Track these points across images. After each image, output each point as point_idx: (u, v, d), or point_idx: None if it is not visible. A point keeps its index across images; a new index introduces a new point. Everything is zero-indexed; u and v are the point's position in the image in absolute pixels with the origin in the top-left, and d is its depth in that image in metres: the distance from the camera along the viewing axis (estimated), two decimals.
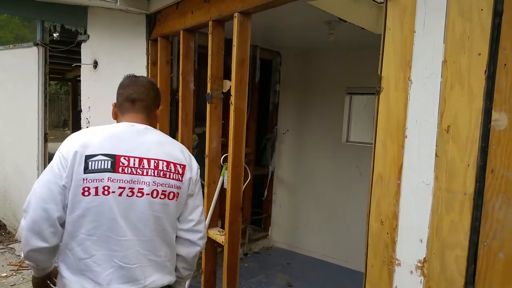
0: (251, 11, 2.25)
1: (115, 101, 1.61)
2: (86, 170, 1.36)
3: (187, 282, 2.85)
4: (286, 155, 4.81)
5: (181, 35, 2.85)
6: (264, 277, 4.02)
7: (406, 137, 1.41)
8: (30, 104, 4.70)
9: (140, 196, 1.41)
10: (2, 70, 5.31)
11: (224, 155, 2.62)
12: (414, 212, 1.40)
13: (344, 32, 3.13)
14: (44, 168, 1.47)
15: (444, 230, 1.31)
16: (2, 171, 5.41)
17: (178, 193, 1.49)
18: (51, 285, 1.59)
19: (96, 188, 1.36)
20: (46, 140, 4.69)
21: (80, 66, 4.19)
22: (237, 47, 2.28)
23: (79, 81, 4.52)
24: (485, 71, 1.21)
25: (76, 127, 5.07)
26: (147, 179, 1.42)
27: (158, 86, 3.18)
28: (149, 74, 3.31)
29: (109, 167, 1.38)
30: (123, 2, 2.98)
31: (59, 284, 1.44)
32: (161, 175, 1.45)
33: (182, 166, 1.51)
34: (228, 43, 2.42)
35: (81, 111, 4.20)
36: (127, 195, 1.39)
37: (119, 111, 1.58)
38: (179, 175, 1.49)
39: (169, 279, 1.53)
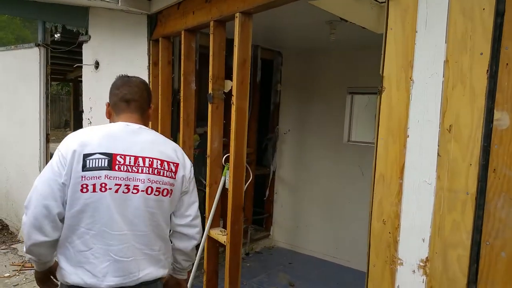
0: (252, 11, 2.25)
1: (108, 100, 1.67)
2: (84, 168, 1.42)
3: (190, 280, 2.86)
4: (287, 155, 4.81)
5: (182, 36, 2.86)
6: (265, 276, 4.02)
7: (408, 136, 1.42)
8: (31, 105, 4.71)
9: (136, 193, 1.48)
10: (4, 71, 5.32)
11: (226, 155, 2.63)
12: (416, 212, 1.40)
13: (345, 32, 3.13)
14: None
15: (446, 230, 1.32)
16: (4, 172, 5.42)
17: (171, 190, 1.56)
18: (54, 280, 1.64)
19: (94, 185, 1.43)
20: (48, 140, 4.70)
21: (81, 67, 4.19)
22: (238, 47, 2.28)
23: (81, 81, 4.53)
24: (487, 70, 1.22)
25: (78, 127, 5.06)
26: (142, 176, 1.49)
27: (160, 86, 3.21)
28: (151, 75, 3.31)
29: (106, 165, 1.44)
30: (124, 2, 2.98)
31: (58, 275, 1.51)
32: (156, 172, 1.51)
33: (175, 164, 1.58)
34: (230, 43, 2.43)
35: (82, 111, 4.21)
36: (123, 192, 1.46)
37: (114, 111, 1.63)
38: (172, 173, 1.56)
39: (163, 272, 1.60)
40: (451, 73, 1.30)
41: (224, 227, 2.66)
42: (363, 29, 2.71)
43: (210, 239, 2.75)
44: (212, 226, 2.77)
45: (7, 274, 3.91)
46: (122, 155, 1.47)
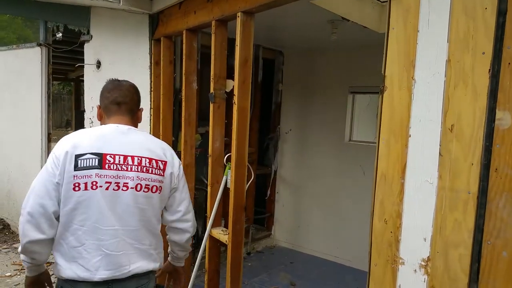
0: (254, 11, 2.25)
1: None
2: (76, 167, 1.50)
3: (191, 279, 2.86)
4: (288, 154, 4.82)
5: (184, 35, 2.86)
6: (267, 276, 4.03)
7: (409, 136, 1.42)
8: (33, 105, 4.72)
9: (125, 190, 1.55)
10: (5, 70, 5.33)
11: (227, 154, 2.63)
12: (417, 211, 1.40)
13: (346, 31, 3.13)
14: None
15: (447, 229, 1.32)
16: (6, 171, 5.43)
17: (160, 186, 1.64)
18: (47, 287, 1.70)
19: (86, 183, 1.50)
20: (49, 140, 4.70)
21: (83, 66, 4.19)
22: (240, 46, 2.28)
23: (82, 81, 4.53)
24: (489, 70, 1.21)
25: (79, 127, 5.08)
26: (131, 174, 1.56)
27: (161, 86, 3.22)
28: (152, 74, 3.32)
29: (96, 164, 1.52)
30: (126, 2, 2.99)
31: (54, 270, 1.57)
32: (144, 170, 1.59)
33: (163, 162, 1.65)
34: (231, 42, 2.43)
35: (84, 111, 4.21)
36: (113, 189, 1.53)
37: (105, 113, 1.71)
38: (161, 171, 1.64)
39: (154, 265, 1.67)
40: (453, 72, 1.30)
41: (226, 226, 2.66)
42: (365, 28, 2.71)
43: (211, 238, 2.76)
44: (214, 225, 2.78)
45: (9, 274, 3.92)
46: (112, 154, 1.54)
